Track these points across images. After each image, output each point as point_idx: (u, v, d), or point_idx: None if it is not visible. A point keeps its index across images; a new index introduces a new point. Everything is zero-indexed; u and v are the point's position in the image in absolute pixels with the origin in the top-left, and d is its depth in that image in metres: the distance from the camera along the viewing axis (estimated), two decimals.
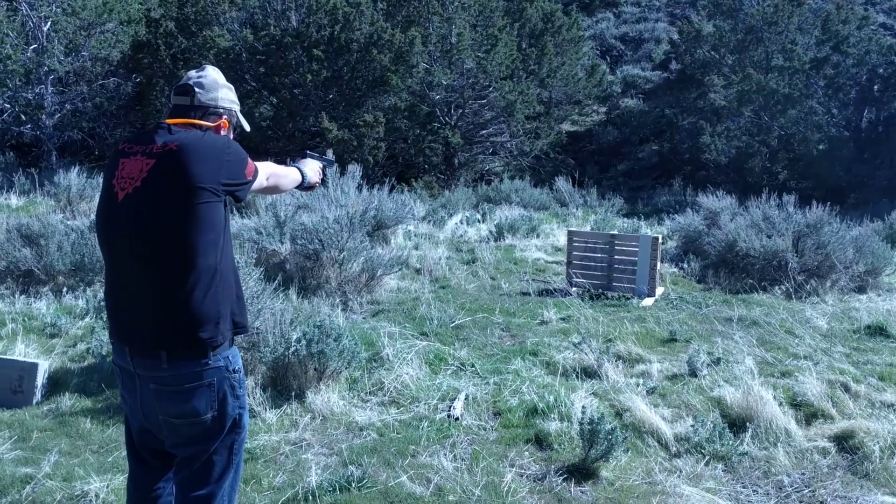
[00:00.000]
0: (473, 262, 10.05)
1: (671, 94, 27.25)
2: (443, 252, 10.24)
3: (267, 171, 2.71)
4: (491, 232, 12.50)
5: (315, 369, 4.63)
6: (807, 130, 19.95)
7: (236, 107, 2.66)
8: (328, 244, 7.95)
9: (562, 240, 11.66)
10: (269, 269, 8.56)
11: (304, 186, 2.96)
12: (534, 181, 20.20)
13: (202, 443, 2.46)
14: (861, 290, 8.89)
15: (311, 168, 3.02)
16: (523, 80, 21.03)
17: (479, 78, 20.22)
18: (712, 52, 24.99)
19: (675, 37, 27.44)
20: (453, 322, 6.69)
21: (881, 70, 19.32)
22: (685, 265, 10.23)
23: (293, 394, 4.64)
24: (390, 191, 11.29)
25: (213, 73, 2.59)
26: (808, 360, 5.63)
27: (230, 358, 2.47)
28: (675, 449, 4.18)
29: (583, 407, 4.30)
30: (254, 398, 4.49)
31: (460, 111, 21.13)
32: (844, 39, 19.56)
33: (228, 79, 2.76)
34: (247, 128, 2.75)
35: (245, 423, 2.58)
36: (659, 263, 8.44)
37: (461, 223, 13.58)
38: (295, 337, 4.68)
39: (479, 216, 14.51)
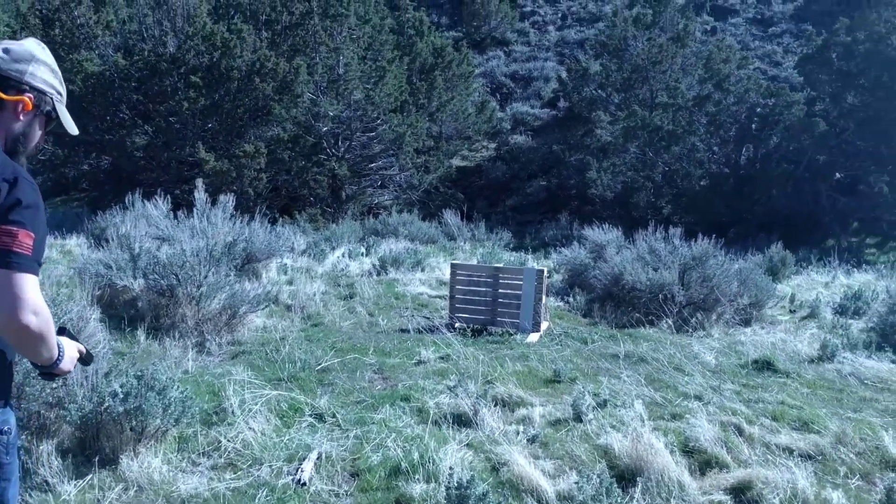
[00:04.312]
0: (352, 298, 9.39)
1: (559, 131, 27.63)
2: (319, 287, 9.52)
3: (41, 308, 1.85)
4: (374, 265, 11.88)
5: (132, 429, 3.82)
6: (690, 166, 20.44)
7: (57, 96, 2.13)
8: (184, 279, 7.12)
9: (447, 273, 11.15)
10: (117, 307, 7.62)
11: (51, 370, 2.09)
12: (423, 215, 19.83)
13: None
14: (746, 322, 8.80)
15: (70, 354, 2.15)
16: (413, 113, 20.70)
17: (367, 110, 19.73)
18: (599, 91, 25.53)
19: (564, 75, 27.90)
20: (319, 365, 5.99)
21: (759, 109, 20.02)
22: (571, 299, 9.91)
23: (102, 459, 3.80)
24: (272, 223, 10.51)
25: (31, 46, 2.08)
26: (698, 400, 5.24)
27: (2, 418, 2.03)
28: None
29: (450, 468, 3.69)
30: (49, 467, 3.64)
31: (348, 143, 20.52)
32: (725, 78, 20.22)
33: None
34: (72, 131, 2.16)
35: (9, 499, 2.11)
36: (545, 297, 8.02)
37: (343, 256, 12.90)
38: (110, 390, 3.86)
39: (363, 249, 13.86)
